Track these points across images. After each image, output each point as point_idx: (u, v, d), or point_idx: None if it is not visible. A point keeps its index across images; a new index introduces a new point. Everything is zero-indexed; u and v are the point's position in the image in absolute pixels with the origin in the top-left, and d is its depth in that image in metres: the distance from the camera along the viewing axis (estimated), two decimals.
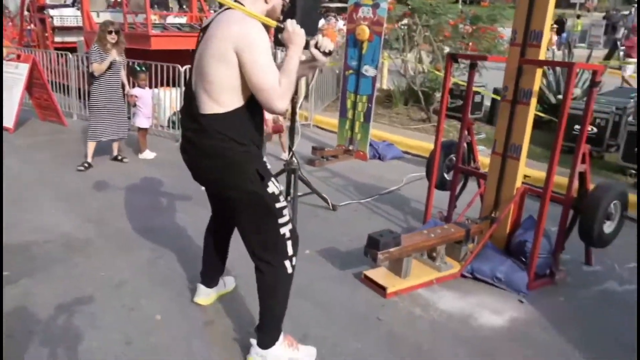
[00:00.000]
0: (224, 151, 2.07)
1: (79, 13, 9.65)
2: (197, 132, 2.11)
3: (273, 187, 2.15)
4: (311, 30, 3.79)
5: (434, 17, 7.42)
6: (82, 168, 5.32)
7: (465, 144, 3.89)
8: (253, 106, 2.07)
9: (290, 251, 2.21)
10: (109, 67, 5.24)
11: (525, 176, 3.58)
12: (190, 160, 2.24)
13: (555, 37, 17.95)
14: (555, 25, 17.74)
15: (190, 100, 2.16)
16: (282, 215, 2.18)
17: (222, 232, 2.66)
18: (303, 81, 8.39)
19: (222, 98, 2.03)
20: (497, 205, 3.45)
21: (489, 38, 7.29)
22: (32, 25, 11.10)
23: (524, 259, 3.26)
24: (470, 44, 7.21)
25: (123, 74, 5.60)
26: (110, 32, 5.17)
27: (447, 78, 3.57)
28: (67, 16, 10.25)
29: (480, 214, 3.61)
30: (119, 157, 5.64)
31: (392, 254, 2.90)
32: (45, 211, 4.18)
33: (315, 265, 3.43)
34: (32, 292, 2.94)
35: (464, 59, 5.52)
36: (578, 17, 25.03)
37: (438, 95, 7.73)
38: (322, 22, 16.26)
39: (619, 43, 14.87)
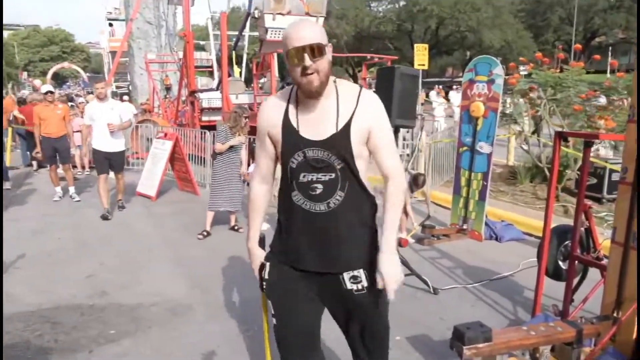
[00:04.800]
0: None
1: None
2: None
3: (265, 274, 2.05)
4: (409, 115, 3.81)
5: (562, 91, 6.97)
6: (201, 236, 5.78)
7: (583, 229, 3.45)
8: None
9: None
10: (231, 147, 5.76)
11: None
12: None
13: None
14: None
15: None
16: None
17: None
18: (422, 159, 8.32)
19: None
20: (621, 303, 2.95)
21: (626, 111, 6.57)
22: (186, 107, 12.73)
23: None
24: (605, 118, 6.58)
25: (244, 152, 6.07)
26: (246, 118, 5.77)
27: (555, 157, 3.27)
28: (213, 98, 11.58)
29: (601, 312, 3.10)
30: (236, 227, 6.00)
31: (481, 350, 2.57)
32: (160, 275, 4.55)
33: (402, 353, 3.20)
34: (130, 352, 3.16)
35: (575, 137, 5.04)
36: None
37: (568, 172, 7.09)
38: (433, 95, 16.15)
39: None
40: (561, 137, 3.27)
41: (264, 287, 2.06)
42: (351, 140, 1.84)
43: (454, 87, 22.07)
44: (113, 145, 6.62)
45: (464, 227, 5.95)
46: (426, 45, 12.34)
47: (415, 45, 12.32)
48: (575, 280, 3.52)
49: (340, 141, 1.83)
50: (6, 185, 8.74)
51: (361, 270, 1.93)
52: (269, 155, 2.00)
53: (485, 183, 5.77)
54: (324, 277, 1.96)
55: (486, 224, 5.85)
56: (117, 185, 7.06)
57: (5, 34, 71.68)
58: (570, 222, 5.33)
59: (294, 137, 1.86)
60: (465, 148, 5.96)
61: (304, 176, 1.87)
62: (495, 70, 5.59)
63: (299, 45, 1.74)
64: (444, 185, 8.27)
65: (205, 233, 5.81)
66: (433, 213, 6.41)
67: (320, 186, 1.86)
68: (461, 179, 6.02)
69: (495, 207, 6.64)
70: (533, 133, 7.49)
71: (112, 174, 6.86)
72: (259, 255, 2.09)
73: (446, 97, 16.49)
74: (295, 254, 1.96)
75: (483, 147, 5.75)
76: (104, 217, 6.50)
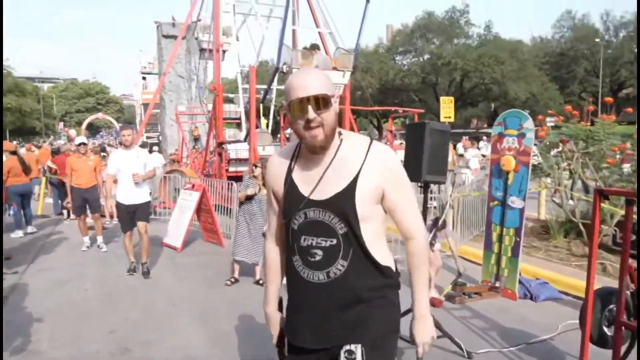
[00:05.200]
0: None
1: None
2: None
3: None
4: (439, 170, 3.75)
5: (594, 144, 6.83)
6: (229, 282, 5.84)
7: (628, 293, 3.25)
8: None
9: None
10: (252, 197, 5.83)
11: None
12: None
13: None
14: None
15: None
16: None
17: None
18: (450, 213, 8.16)
19: None
20: None
21: None
22: (214, 158, 12.93)
23: None
24: None
25: None
26: (255, 167, 5.80)
27: (596, 216, 3.13)
28: (240, 149, 11.75)
29: None
30: (260, 282, 5.90)
31: None
32: (183, 331, 4.45)
33: None
34: None
35: (615, 195, 4.86)
36: None
37: (605, 227, 6.82)
38: (462, 147, 16.15)
39: None
40: (601, 195, 3.14)
41: None
42: (356, 201, 1.64)
43: (484, 138, 21.99)
44: (138, 196, 6.22)
45: (497, 284, 5.72)
46: (452, 98, 12.42)
47: (441, 98, 12.42)
48: (623, 348, 3.28)
49: (343, 202, 1.65)
50: (29, 229, 9.05)
51: (359, 346, 1.68)
52: (277, 213, 1.86)
53: (518, 239, 5.58)
54: (327, 353, 1.72)
55: (520, 281, 5.61)
56: (141, 242, 6.34)
57: (45, 86, 75.51)
58: (609, 281, 5.09)
59: (296, 195, 1.71)
60: (496, 202, 5.82)
61: (304, 239, 1.69)
62: (526, 124, 5.52)
63: (303, 95, 1.60)
64: (473, 239, 8.05)
65: (232, 279, 5.86)
66: (462, 270, 6.19)
67: (319, 252, 1.67)
68: (492, 235, 5.85)
69: (528, 264, 6.38)
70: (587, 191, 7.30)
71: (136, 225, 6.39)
72: (277, 319, 1.95)
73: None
74: (292, 329, 1.81)
75: (515, 201, 5.60)
76: (130, 271, 6.38)
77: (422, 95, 39.40)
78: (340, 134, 1.73)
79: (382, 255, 1.73)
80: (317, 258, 1.67)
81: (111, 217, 10.19)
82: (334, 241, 1.66)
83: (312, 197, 1.68)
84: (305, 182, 1.71)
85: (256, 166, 5.88)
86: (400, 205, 1.73)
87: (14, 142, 18.12)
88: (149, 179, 6.55)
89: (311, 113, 1.59)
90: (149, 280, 6.14)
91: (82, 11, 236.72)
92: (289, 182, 1.74)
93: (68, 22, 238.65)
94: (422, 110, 13.97)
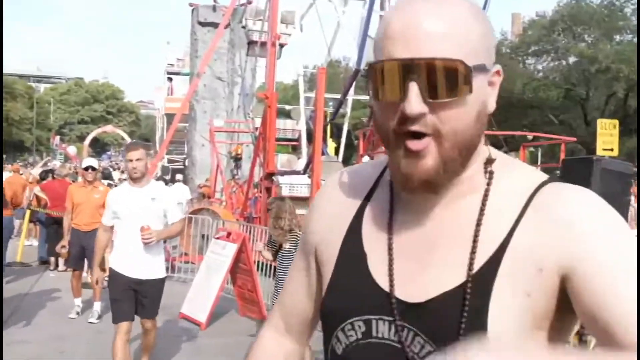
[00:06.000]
0: None
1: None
2: None
3: None
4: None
5: None
6: None
7: None
8: None
9: None
10: (277, 254, 5.97)
11: None
12: None
13: None
14: None
15: None
16: None
17: None
18: None
19: None
20: None
21: None
22: (259, 194, 13.00)
23: None
24: None
25: None
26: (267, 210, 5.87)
27: None
28: (297, 184, 11.71)
29: None
30: None
31: None
32: None
33: None
34: None
35: None
36: None
37: None
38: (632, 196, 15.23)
39: None
40: None
41: None
42: (489, 321, 0.99)
43: None
44: (146, 267, 5.24)
45: None
46: (616, 122, 11.91)
47: (599, 121, 11.93)
48: None
49: (452, 315, 1.01)
50: None
51: None
52: (304, 287, 1.33)
53: None
54: None
55: None
56: (144, 339, 5.76)
57: (42, 87, 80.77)
58: None
59: (357, 276, 1.14)
60: None
61: None
62: None
63: (406, 56, 0.99)
64: None
65: None
66: None
67: None
68: None
69: None
70: None
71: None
72: None
73: None
74: None
75: None
76: None
77: (564, 115, 38.36)
78: (489, 162, 1.12)
79: None
80: None
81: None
82: None
83: (394, 291, 1.09)
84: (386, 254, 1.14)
85: (268, 209, 5.87)
86: (613, 297, 0.94)
87: None
88: (169, 238, 5.66)
89: (414, 103, 0.97)
90: None
91: None
92: (351, 242, 1.18)
93: (78, 6, 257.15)
94: (573, 139, 13.42)
